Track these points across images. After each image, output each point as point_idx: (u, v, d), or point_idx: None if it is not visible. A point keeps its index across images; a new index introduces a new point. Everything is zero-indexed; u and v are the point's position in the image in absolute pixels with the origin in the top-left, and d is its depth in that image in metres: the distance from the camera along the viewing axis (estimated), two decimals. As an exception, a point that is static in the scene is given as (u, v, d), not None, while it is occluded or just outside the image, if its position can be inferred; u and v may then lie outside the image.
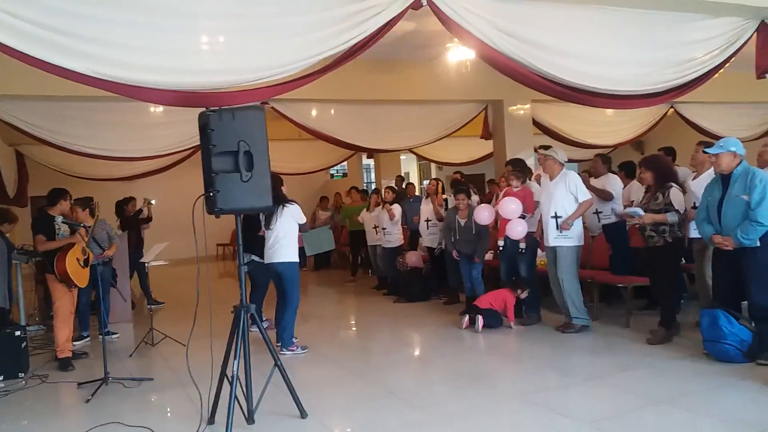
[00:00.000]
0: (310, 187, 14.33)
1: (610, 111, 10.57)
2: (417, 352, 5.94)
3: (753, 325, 4.47)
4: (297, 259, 5.61)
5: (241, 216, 3.94)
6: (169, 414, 4.38)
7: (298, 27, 4.70)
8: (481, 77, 8.73)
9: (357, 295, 9.10)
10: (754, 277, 4.45)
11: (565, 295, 5.70)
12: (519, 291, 6.22)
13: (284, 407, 3.99)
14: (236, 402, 3.67)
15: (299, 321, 5.80)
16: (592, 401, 4.11)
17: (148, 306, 8.43)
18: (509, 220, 6.11)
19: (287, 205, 5.57)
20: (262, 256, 5.77)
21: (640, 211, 5.13)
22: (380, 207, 8.54)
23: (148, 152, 9.20)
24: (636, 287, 5.97)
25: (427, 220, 7.91)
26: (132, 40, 4.20)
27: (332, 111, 9.49)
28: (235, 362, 3.64)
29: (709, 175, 5.19)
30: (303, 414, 3.91)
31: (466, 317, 6.21)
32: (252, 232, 5.97)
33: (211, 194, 3.62)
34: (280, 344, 5.60)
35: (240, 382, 3.71)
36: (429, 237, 7.97)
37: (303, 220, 5.68)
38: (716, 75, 6.29)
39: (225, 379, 3.77)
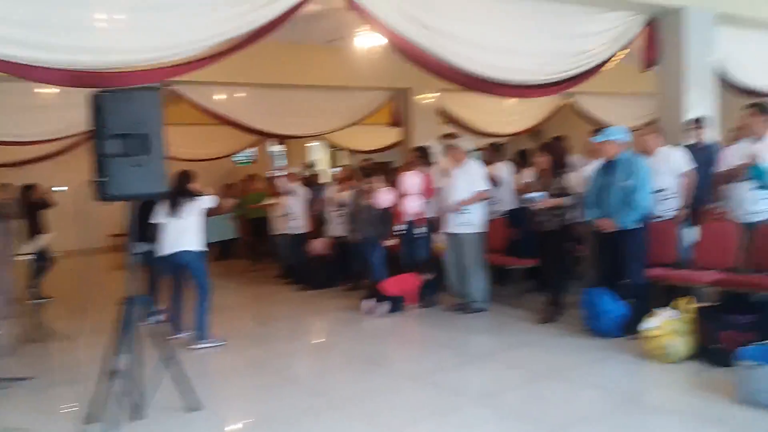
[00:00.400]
0: (215, 173, 13.90)
1: (512, 101, 10.96)
2: (318, 339, 5.97)
3: (628, 301, 4.80)
4: (205, 249, 5.46)
5: (136, 204, 3.78)
6: (51, 413, 4.13)
7: (201, 5, 4.55)
8: (390, 65, 8.77)
9: (260, 285, 8.96)
10: (632, 257, 4.79)
11: (470, 280, 5.87)
12: (424, 274, 6.38)
13: (178, 401, 3.87)
14: (125, 397, 3.54)
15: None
16: (484, 378, 4.30)
17: (33, 301, 7.91)
18: (408, 196, 6.18)
19: (199, 197, 5.41)
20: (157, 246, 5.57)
21: (543, 196, 5.38)
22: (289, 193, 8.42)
23: (37, 137, 8.63)
24: (527, 269, 6.26)
25: (334, 208, 7.92)
26: (19, 15, 3.91)
27: (237, 95, 9.26)
28: (123, 356, 3.51)
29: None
30: (197, 407, 3.82)
31: (370, 302, 6.30)
32: (148, 220, 5.75)
33: (101, 180, 3.46)
34: (185, 335, 5.48)
35: (127, 377, 3.57)
36: (337, 224, 7.98)
37: (215, 203, 5.57)
38: (608, 67, 6.69)
39: (113, 375, 3.62)
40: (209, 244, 5.71)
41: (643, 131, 5.70)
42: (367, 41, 7.63)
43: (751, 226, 4.84)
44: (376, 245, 6.88)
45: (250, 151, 15.00)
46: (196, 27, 4.56)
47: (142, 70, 4.64)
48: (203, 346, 5.35)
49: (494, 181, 6.71)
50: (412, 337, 5.68)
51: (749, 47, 7.23)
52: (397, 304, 6.24)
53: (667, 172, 5.32)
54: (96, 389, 3.65)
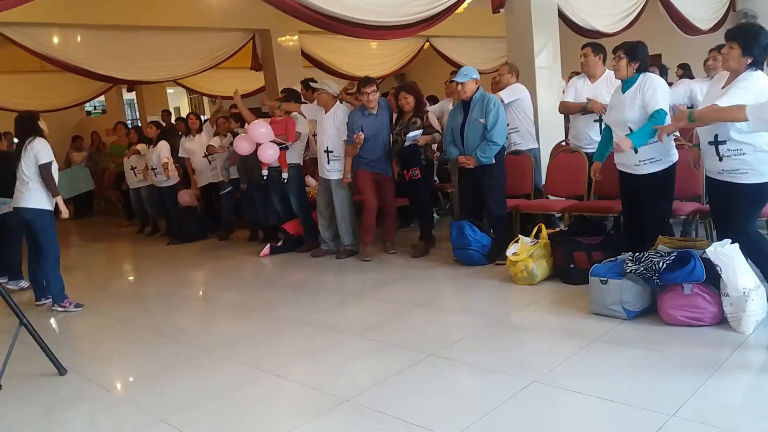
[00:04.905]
0: (63, 125, 12.68)
1: (374, 44, 10.97)
2: (194, 292, 5.79)
3: (492, 231, 5.14)
4: (50, 207, 4.93)
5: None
6: None
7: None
8: (246, 5, 8.39)
9: (125, 242, 8.51)
10: (491, 190, 5.08)
11: (341, 224, 5.91)
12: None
13: (40, 367, 3.63)
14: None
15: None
16: (360, 314, 4.45)
17: None
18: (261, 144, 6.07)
19: (32, 141, 4.82)
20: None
21: (419, 134, 5.48)
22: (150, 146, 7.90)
23: None
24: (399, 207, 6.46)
25: (206, 155, 7.55)
26: None
27: (79, 38, 8.43)
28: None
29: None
30: (61, 371, 3.61)
31: (266, 246, 6.40)
32: (8, 173, 5.09)
33: None
34: (50, 299, 5.09)
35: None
36: (211, 173, 7.63)
37: (46, 159, 4.81)
38: (461, 9, 6.85)
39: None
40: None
41: (500, 71, 5.95)
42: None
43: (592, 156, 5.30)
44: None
45: (98, 100, 13.84)
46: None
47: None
48: (60, 309, 5.00)
49: None
50: (289, 282, 5.65)
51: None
52: (295, 244, 6.40)
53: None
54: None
